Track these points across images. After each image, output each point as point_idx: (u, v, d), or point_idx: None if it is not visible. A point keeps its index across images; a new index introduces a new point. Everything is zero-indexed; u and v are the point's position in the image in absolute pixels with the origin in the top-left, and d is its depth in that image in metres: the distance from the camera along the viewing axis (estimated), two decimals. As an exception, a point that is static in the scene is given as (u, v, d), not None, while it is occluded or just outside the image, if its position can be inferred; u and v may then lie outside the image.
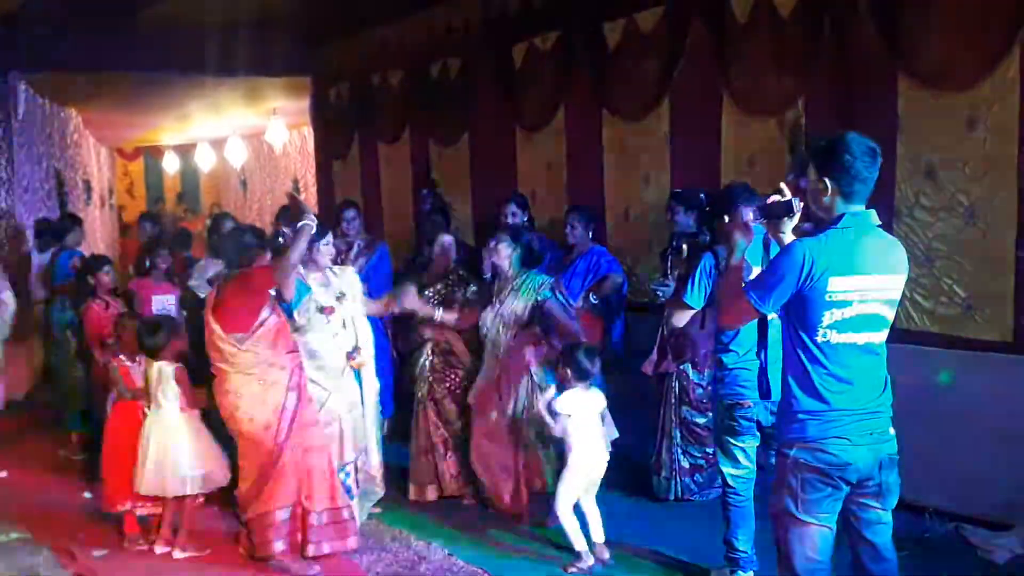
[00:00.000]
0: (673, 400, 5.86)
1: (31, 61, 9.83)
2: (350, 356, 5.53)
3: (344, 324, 5.53)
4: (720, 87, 6.53)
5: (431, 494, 6.06)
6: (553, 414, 5.09)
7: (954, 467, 5.14)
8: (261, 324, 4.92)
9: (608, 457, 5.15)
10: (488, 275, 5.90)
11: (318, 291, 5.47)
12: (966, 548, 4.96)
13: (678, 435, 5.85)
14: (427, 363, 6.09)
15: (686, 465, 5.86)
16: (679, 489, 5.85)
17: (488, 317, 5.72)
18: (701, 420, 5.79)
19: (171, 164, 19.49)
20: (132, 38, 9.98)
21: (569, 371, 5.06)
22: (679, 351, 5.83)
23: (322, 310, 5.44)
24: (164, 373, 5.33)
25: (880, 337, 3.27)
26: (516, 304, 5.62)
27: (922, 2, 5.26)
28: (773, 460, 3.54)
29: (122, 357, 5.76)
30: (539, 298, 5.57)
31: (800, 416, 3.25)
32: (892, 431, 3.31)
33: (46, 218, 9.93)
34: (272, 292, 5.02)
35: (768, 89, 6.19)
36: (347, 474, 5.49)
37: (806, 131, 5.95)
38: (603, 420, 5.24)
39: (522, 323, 5.61)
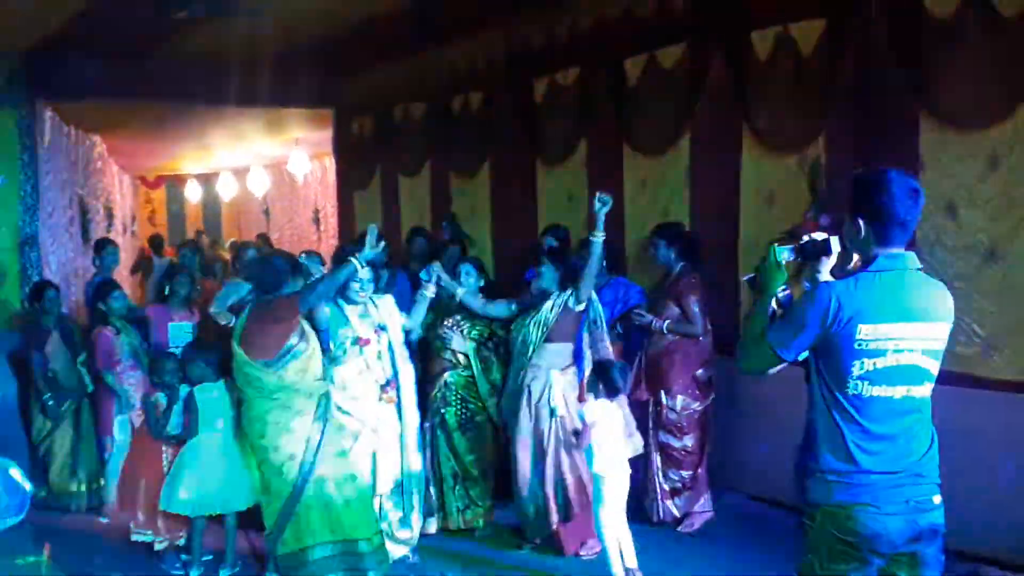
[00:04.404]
0: (651, 425, 5.96)
1: (57, 89, 9.95)
2: (384, 389, 5.46)
3: (379, 356, 5.46)
4: (740, 123, 6.56)
5: (431, 527, 5.85)
6: (583, 424, 5.11)
7: (976, 511, 5.06)
8: (288, 352, 4.85)
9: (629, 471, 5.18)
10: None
11: (355, 322, 5.41)
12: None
13: (658, 459, 5.95)
14: (439, 394, 6.00)
15: (667, 488, 5.96)
16: (661, 512, 5.96)
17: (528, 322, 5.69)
18: (677, 444, 5.94)
19: (193, 193, 19.66)
20: (157, 68, 10.11)
21: (601, 385, 5.10)
22: (655, 379, 5.95)
23: (356, 342, 5.37)
24: (224, 396, 5.36)
25: (922, 391, 2.96)
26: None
27: (945, 40, 5.26)
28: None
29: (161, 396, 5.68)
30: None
31: (828, 478, 2.95)
32: (938, 499, 2.97)
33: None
34: (302, 321, 4.98)
35: (788, 126, 6.21)
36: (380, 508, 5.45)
37: (826, 168, 5.95)
38: (628, 435, 5.34)
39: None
